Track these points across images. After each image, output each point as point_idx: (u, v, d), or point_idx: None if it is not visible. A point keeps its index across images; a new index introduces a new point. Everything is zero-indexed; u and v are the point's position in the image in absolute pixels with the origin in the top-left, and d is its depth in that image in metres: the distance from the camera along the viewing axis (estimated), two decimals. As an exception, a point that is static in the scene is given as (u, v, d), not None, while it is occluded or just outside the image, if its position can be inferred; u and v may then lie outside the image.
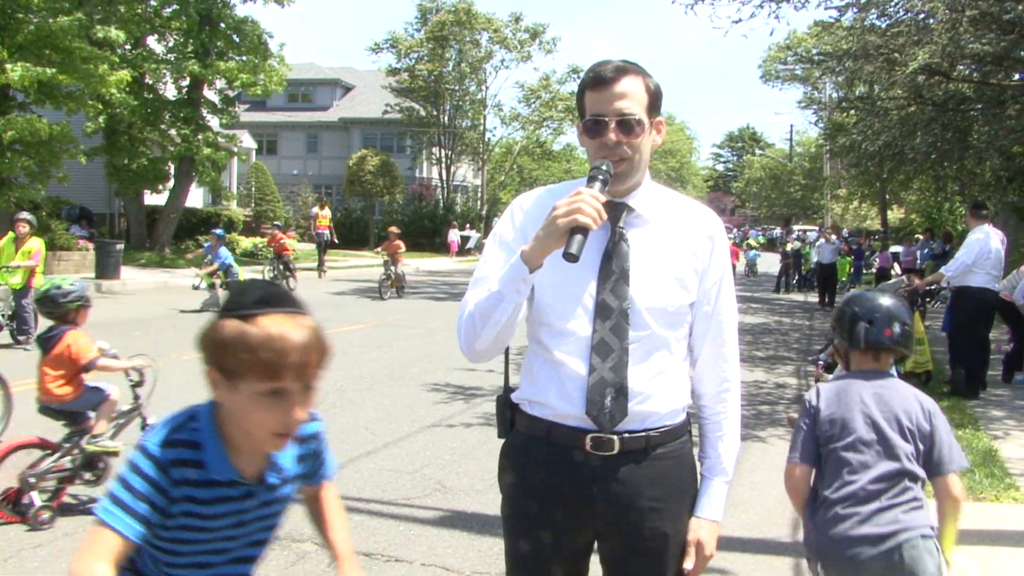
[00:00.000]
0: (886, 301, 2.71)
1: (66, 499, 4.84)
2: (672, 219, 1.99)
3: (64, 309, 4.89)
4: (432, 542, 4.52)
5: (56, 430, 4.99)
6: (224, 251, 15.00)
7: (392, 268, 17.85)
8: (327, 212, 23.96)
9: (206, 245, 15.28)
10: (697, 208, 2.06)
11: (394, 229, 19.28)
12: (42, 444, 4.76)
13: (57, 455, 4.73)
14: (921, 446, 2.52)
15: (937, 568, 2.46)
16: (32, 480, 4.58)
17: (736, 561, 4.36)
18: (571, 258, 1.74)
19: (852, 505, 2.46)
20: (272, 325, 1.49)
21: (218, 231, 15.62)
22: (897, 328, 2.64)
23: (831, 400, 2.61)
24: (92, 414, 4.90)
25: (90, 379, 4.98)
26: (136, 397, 5.08)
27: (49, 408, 4.86)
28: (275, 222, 22.32)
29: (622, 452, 1.91)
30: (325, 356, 1.57)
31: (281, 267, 18.74)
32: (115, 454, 4.88)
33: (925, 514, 2.49)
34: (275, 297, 1.53)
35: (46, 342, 4.87)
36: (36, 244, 10.07)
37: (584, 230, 1.74)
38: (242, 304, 1.51)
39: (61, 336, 4.82)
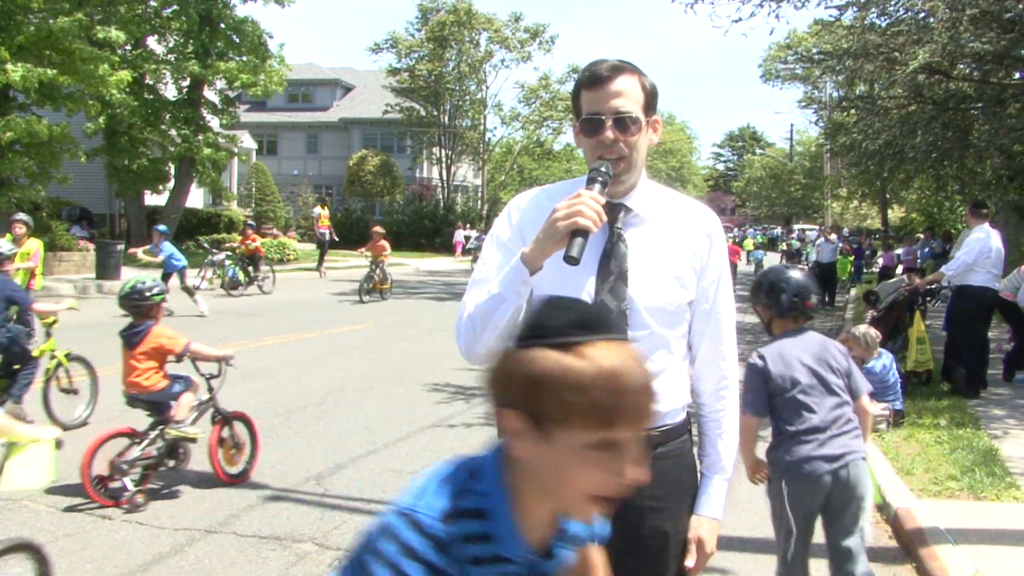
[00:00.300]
0: (800, 276, 3.42)
1: (150, 484, 5.11)
2: (670, 218, 2.00)
3: (149, 303, 5.19)
4: (432, 542, 4.52)
5: (130, 418, 5.22)
6: (169, 248, 13.74)
7: (376, 269, 16.89)
8: (326, 212, 23.97)
9: (151, 247, 13.99)
10: (694, 206, 2.06)
11: (379, 229, 18.38)
12: (131, 433, 5.06)
13: (145, 443, 5.03)
14: (845, 379, 3.30)
15: (869, 483, 3.26)
16: (124, 467, 4.90)
17: (736, 561, 4.36)
18: (572, 261, 1.73)
19: (813, 434, 3.17)
20: (604, 357, 1.15)
21: (161, 227, 14.15)
22: (814, 299, 3.37)
23: (775, 360, 3.25)
24: (174, 403, 5.19)
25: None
26: (210, 388, 5.34)
27: (137, 399, 5.18)
28: (247, 220, 19.92)
29: None
30: (657, 397, 1.23)
31: (251, 268, 17.44)
32: (194, 440, 5.24)
33: (862, 441, 3.26)
34: (597, 319, 1.20)
35: (131, 337, 5.16)
36: (34, 245, 10.01)
37: (584, 232, 1.74)
38: (556, 328, 1.17)
39: (147, 331, 5.15)
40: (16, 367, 6.48)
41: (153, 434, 5.07)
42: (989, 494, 5.20)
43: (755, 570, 4.30)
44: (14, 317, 6.73)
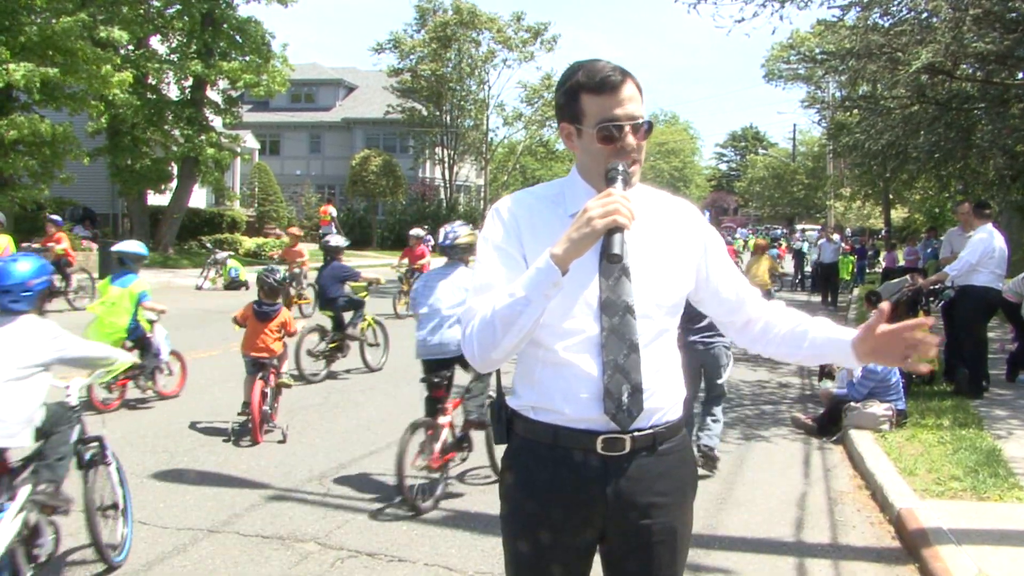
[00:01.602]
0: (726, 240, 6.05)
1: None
2: (660, 214, 2.02)
3: (285, 287, 6.91)
4: (435, 542, 4.52)
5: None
6: None
7: (293, 282, 13.01)
8: (326, 210, 24.05)
9: None
10: (676, 200, 2.10)
11: (295, 230, 15.10)
12: (263, 387, 6.53)
13: (270, 394, 6.59)
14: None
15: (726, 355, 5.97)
16: (268, 411, 6.54)
17: (738, 561, 4.36)
18: (616, 259, 1.74)
19: (705, 330, 5.78)
20: None
21: None
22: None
23: None
24: (274, 362, 6.75)
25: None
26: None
27: (257, 361, 6.57)
28: (50, 215, 15.03)
29: (632, 451, 1.92)
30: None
31: (61, 280, 13.07)
32: (289, 386, 7.01)
33: (727, 339, 5.08)
34: None
35: (268, 314, 6.71)
36: (3, 241, 10.04)
37: (621, 230, 1.75)
38: None
39: (279, 310, 6.79)
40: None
41: (274, 384, 6.65)
42: (992, 495, 5.19)
43: (757, 570, 4.30)
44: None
